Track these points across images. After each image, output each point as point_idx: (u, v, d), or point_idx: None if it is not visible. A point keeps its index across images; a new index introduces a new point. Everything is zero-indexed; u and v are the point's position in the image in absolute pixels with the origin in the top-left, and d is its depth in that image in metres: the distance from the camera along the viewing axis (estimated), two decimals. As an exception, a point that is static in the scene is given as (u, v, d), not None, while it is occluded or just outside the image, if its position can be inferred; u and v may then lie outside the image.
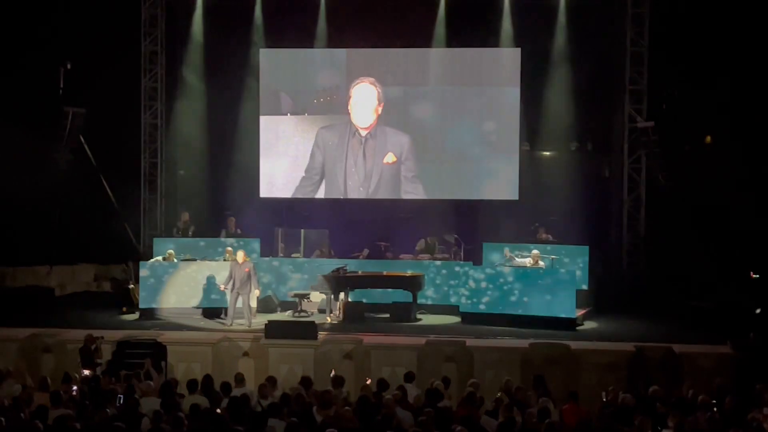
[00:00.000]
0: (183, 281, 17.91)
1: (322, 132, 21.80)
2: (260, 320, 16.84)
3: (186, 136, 22.51)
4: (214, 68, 22.28)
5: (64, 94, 20.15)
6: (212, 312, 17.84)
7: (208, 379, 12.15)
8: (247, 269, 17.14)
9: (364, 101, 21.68)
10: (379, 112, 21.65)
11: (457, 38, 21.69)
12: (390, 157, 21.62)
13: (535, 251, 17.92)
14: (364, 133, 21.70)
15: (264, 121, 22.04)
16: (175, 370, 14.98)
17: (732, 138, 18.93)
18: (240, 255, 17.34)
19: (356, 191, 21.77)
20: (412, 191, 21.63)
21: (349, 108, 21.74)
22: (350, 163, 21.68)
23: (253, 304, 17.40)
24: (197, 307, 17.91)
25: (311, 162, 21.90)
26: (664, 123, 19.06)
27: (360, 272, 18.50)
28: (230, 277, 17.12)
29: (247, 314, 17.08)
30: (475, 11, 21.65)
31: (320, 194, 21.99)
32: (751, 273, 17.38)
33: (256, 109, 22.06)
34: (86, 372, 13.45)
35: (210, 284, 17.91)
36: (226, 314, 17.52)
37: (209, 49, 22.31)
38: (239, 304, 17.16)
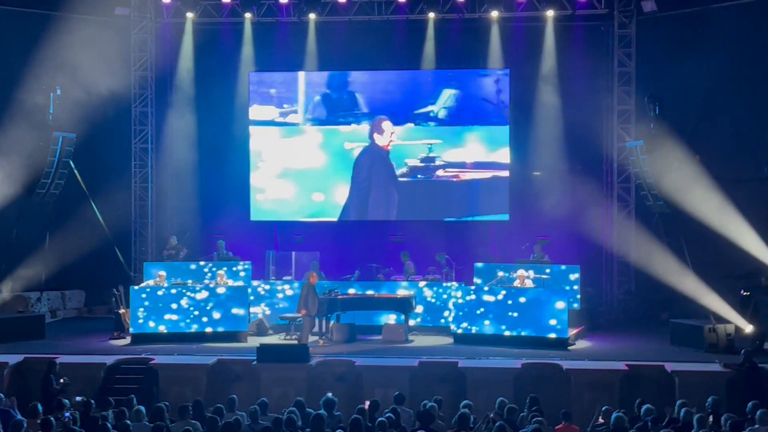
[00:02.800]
0: (174, 305, 17.87)
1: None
2: (252, 344, 16.81)
3: (176, 160, 22.52)
4: (204, 92, 22.37)
5: (54, 119, 20.13)
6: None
7: (198, 404, 12.10)
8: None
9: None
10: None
11: (446, 60, 21.81)
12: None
13: (520, 271, 17.96)
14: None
15: (254, 143, 22.09)
16: (166, 395, 14.92)
17: (719, 154, 19.05)
18: (313, 275, 17.56)
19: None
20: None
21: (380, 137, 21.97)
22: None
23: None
24: (190, 332, 17.86)
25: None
26: (653, 142, 19.14)
27: (351, 294, 18.51)
28: (305, 299, 17.30)
29: (306, 332, 17.31)
30: (463, 34, 21.81)
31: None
32: (742, 291, 17.42)
33: (247, 132, 22.12)
34: (78, 398, 13.37)
35: (198, 308, 17.87)
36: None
37: (199, 73, 22.40)
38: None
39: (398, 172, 21.81)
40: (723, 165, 18.56)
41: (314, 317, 17.50)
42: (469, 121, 21.66)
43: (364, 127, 21.91)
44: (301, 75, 22.03)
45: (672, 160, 18.27)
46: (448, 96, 21.57)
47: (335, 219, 22.07)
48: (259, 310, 19.16)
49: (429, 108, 21.79)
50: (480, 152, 21.65)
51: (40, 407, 11.85)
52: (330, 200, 22.03)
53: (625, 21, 21.10)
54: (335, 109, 22.04)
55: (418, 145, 21.81)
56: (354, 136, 21.96)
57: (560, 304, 17.03)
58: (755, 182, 18.03)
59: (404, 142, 21.82)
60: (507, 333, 17.26)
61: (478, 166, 21.65)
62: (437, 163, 21.78)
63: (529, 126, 21.57)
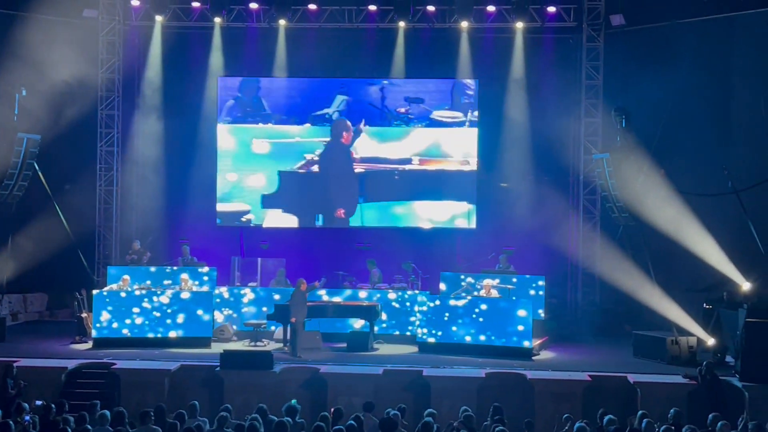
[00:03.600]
0: (138, 309, 17.72)
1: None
2: (216, 350, 16.70)
3: (142, 164, 22.36)
4: (171, 96, 22.25)
5: (19, 120, 19.91)
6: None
7: (160, 409, 12.00)
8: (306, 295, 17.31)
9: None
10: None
11: (415, 69, 21.87)
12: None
13: (486, 281, 18.03)
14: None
15: (221, 147, 22.00)
16: (128, 400, 14.78)
17: (684, 168, 19.24)
18: (303, 283, 17.37)
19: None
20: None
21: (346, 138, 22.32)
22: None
23: None
24: (153, 337, 17.71)
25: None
26: (619, 154, 19.28)
27: (317, 301, 18.46)
28: (295, 306, 17.12)
29: (295, 344, 17.12)
30: (433, 43, 21.90)
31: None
32: (704, 304, 17.59)
33: (214, 137, 22.02)
34: (39, 402, 13.20)
35: (162, 313, 17.74)
36: (289, 343, 17.52)
37: (167, 77, 22.27)
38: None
39: (296, 165, 22.20)
40: (687, 178, 18.72)
41: (302, 326, 17.30)
42: (356, 122, 22.24)
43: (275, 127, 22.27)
44: (218, 80, 22.19)
45: (637, 173, 18.40)
46: (341, 101, 22.21)
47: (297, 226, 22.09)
48: (222, 316, 19.04)
49: (324, 110, 22.19)
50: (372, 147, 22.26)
51: (-1, 411, 11.72)
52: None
53: (594, 34, 21.30)
54: (244, 110, 22.29)
55: (316, 142, 22.23)
56: (261, 133, 22.22)
57: (525, 314, 17.11)
58: (719, 196, 18.21)
59: (305, 140, 22.18)
60: (472, 342, 17.30)
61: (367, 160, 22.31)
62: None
63: (498, 136, 21.67)
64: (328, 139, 22.20)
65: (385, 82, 21.99)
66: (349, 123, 22.18)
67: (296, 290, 17.32)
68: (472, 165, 21.78)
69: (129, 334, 17.63)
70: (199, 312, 17.81)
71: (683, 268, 18.46)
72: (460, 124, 21.87)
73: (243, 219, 22.14)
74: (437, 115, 22.07)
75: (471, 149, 21.79)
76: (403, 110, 22.19)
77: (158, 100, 22.29)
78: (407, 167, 22.02)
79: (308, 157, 22.32)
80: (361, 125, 22.14)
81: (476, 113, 21.73)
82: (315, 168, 22.26)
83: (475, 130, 21.74)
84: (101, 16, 21.87)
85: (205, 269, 19.61)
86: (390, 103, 22.20)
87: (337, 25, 21.80)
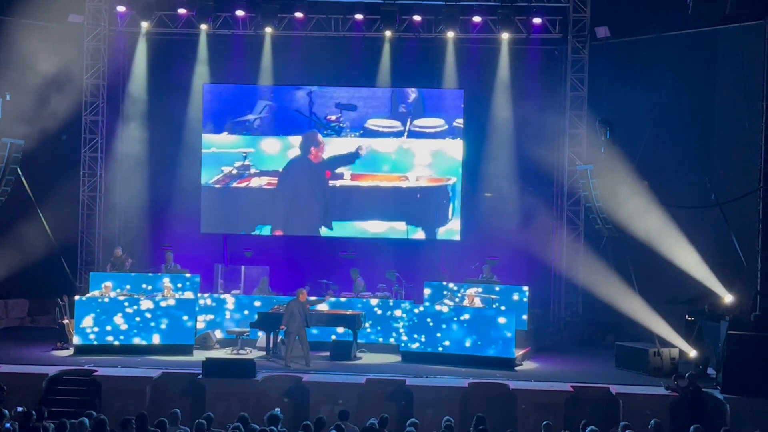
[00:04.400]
0: (120, 316, 17.63)
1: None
2: (198, 357, 16.63)
3: (126, 170, 22.29)
4: (156, 102, 22.20)
5: (2, 125, 19.81)
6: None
7: (142, 417, 11.93)
8: (308, 305, 17.12)
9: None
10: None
11: (401, 78, 21.90)
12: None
13: (470, 291, 18.05)
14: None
15: (206, 155, 21.94)
16: (109, 407, 14.70)
17: (667, 180, 19.35)
18: (303, 293, 17.19)
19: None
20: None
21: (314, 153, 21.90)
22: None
23: None
24: (135, 344, 17.61)
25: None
26: (603, 166, 19.37)
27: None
28: (289, 315, 16.91)
29: (306, 353, 16.96)
30: (419, 53, 21.95)
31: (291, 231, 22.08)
32: (687, 316, 17.67)
33: (198, 143, 21.96)
34: (19, 408, 13.09)
35: (144, 320, 17.66)
36: (273, 352, 17.48)
37: (152, 83, 22.24)
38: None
39: (213, 179, 21.81)
40: (671, 190, 18.81)
41: (294, 336, 17.09)
42: (282, 131, 21.86)
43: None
44: (203, 87, 21.93)
45: (621, 185, 18.48)
46: (263, 107, 21.80)
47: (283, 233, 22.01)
48: (203, 324, 18.97)
49: (246, 117, 21.92)
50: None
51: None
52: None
53: (579, 46, 21.40)
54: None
55: (233, 153, 21.85)
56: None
57: (508, 325, 17.12)
58: (702, 208, 18.31)
59: (224, 151, 21.81)
60: (455, 352, 17.30)
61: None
62: (252, 171, 21.89)
63: (482, 146, 21.71)
64: (251, 150, 21.71)
65: (314, 88, 21.59)
66: (320, 137, 21.66)
67: (294, 300, 17.21)
68: (411, 181, 21.49)
69: (111, 341, 17.53)
70: (182, 319, 17.74)
71: (666, 280, 18.54)
72: (398, 134, 21.57)
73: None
74: (373, 124, 21.67)
75: (408, 160, 21.49)
76: (333, 118, 21.57)
77: (143, 106, 22.25)
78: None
79: (226, 170, 21.79)
80: (362, 150, 21.52)
81: (421, 121, 21.45)
82: (238, 183, 21.76)
83: (409, 140, 21.46)
84: (87, 21, 21.80)
85: (187, 275, 19.54)
86: (319, 110, 21.72)
87: (324, 33, 21.84)
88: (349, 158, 21.73)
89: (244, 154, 21.90)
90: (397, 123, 21.63)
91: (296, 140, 21.78)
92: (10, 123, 19.76)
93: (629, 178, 18.49)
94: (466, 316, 17.37)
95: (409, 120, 21.56)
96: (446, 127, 21.76)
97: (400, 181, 21.69)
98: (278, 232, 21.78)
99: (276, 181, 21.85)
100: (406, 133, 21.63)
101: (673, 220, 17.89)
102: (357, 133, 21.69)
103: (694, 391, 14.60)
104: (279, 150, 21.80)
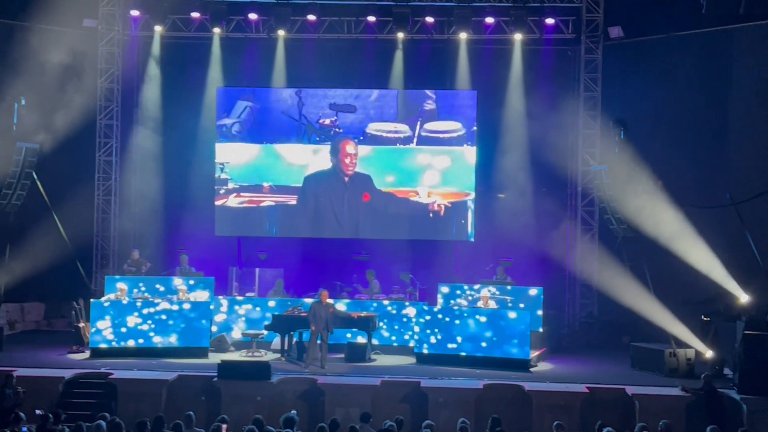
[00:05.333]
0: (135, 319, 17.69)
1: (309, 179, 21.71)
2: (213, 360, 16.67)
3: (141, 174, 22.36)
4: (170, 106, 22.25)
5: (18, 129, 19.92)
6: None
7: (158, 420, 11.97)
8: (331, 310, 17.03)
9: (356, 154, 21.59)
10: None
11: (414, 80, 21.90)
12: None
13: (484, 292, 18.02)
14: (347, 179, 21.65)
15: (220, 156, 22.00)
16: (125, 410, 14.74)
17: (682, 179, 19.28)
18: (323, 295, 17.15)
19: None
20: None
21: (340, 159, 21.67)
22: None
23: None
24: (150, 347, 17.68)
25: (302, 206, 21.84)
26: (617, 166, 19.32)
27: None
28: (313, 316, 16.90)
29: (323, 356, 16.87)
30: (431, 54, 21.93)
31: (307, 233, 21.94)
32: (702, 316, 17.59)
33: (212, 146, 22.03)
34: (38, 411, 13.16)
35: (159, 322, 17.71)
36: (287, 354, 17.48)
37: (166, 87, 22.29)
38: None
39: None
40: (686, 190, 18.75)
41: (316, 337, 17.03)
42: (265, 137, 21.42)
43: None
44: (216, 91, 21.83)
45: (635, 185, 18.42)
46: (242, 108, 20.85)
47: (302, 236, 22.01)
48: (215, 328, 19.00)
49: (224, 121, 21.60)
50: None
51: (-4, 421, 11.68)
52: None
53: (592, 46, 21.35)
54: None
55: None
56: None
57: (522, 326, 17.09)
58: (717, 208, 18.23)
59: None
60: (469, 353, 17.27)
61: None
62: (230, 186, 21.66)
63: (495, 147, 21.67)
64: (226, 161, 21.51)
65: (325, 90, 20.82)
66: (351, 144, 20.82)
67: (317, 301, 17.16)
68: (423, 196, 21.08)
69: (126, 344, 17.59)
70: (197, 321, 17.79)
71: (681, 280, 18.44)
72: (406, 140, 21.07)
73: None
74: (375, 129, 20.84)
75: (419, 171, 21.18)
76: (327, 122, 20.29)
77: (156, 109, 22.31)
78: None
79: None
80: (364, 198, 20.59)
81: (434, 125, 21.30)
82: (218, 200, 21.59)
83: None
84: (101, 26, 21.91)
85: (202, 275, 19.61)
86: (310, 112, 20.95)
87: (336, 36, 21.84)
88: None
89: (221, 165, 21.59)
90: (405, 127, 21.21)
91: (283, 149, 20.66)
92: (26, 127, 19.90)
93: (644, 177, 18.44)
94: (481, 318, 17.35)
95: (419, 124, 20.99)
96: (463, 132, 21.48)
97: (409, 196, 21.33)
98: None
99: (260, 199, 21.24)
100: (415, 139, 21.21)
101: (688, 220, 17.82)
102: (356, 140, 21.25)
103: (711, 391, 14.53)
104: (259, 159, 21.26)
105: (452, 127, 21.53)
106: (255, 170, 21.75)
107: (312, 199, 21.68)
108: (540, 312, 18.94)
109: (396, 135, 21.01)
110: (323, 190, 21.66)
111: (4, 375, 14.64)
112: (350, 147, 21.39)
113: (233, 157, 21.81)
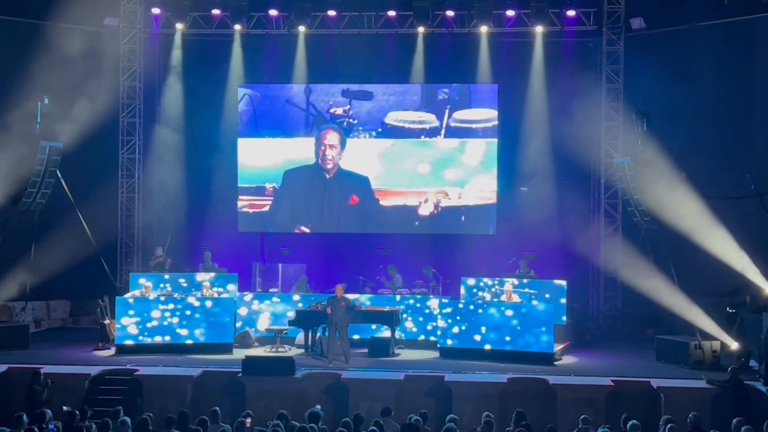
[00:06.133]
0: (160, 315, 17.79)
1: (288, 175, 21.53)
2: (237, 356, 16.74)
3: (164, 171, 22.46)
4: (192, 103, 22.35)
5: (41, 128, 20.04)
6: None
7: (183, 415, 12.04)
8: (343, 303, 17.04)
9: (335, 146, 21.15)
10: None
11: (435, 74, 21.85)
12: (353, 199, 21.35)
13: (507, 286, 17.97)
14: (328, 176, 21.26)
15: (242, 155, 22.05)
16: (150, 406, 14.83)
17: (706, 171, 19.16)
18: (338, 290, 17.17)
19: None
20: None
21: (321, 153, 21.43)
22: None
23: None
24: (175, 343, 17.76)
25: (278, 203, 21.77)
26: (640, 158, 19.21)
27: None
28: (330, 312, 16.94)
29: (346, 350, 16.91)
30: (452, 48, 21.87)
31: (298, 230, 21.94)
32: (728, 308, 17.47)
33: (235, 143, 22.09)
34: (65, 408, 13.27)
35: (184, 319, 17.79)
36: (311, 349, 17.51)
37: (188, 84, 22.38)
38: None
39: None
40: (709, 181, 18.61)
41: (334, 332, 17.03)
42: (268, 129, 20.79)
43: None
44: (237, 88, 21.81)
45: (659, 177, 18.31)
46: (241, 95, 19.85)
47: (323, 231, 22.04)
48: (240, 323, 19.06)
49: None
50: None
51: (25, 418, 11.76)
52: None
53: (614, 38, 21.23)
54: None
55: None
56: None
57: (547, 320, 17.03)
58: (741, 199, 18.09)
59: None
60: (494, 347, 17.24)
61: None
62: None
63: (517, 141, 21.61)
64: None
65: (352, 86, 19.80)
66: (334, 133, 20.06)
67: (333, 296, 17.17)
68: (453, 198, 20.71)
69: (151, 341, 17.70)
70: (222, 318, 17.86)
71: (706, 272, 18.34)
72: (432, 132, 20.28)
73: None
74: (396, 119, 19.24)
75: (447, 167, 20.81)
76: (340, 111, 18.70)
77: (179, 107, 22.41)
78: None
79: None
80: (350, 200, 19.32)
81: (464, 113, 21.08)
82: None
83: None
84: (122, 24, 22.02)
85: (223, 271, 19.71)
86: (320, 100, 19.68)
87: (357, 31, 21.81)
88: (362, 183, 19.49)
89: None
90: (431, 117, 20.35)
91: (288, 143, 19.58)
92: (49, 126, 20.01)
93: (667, 169, 18.32)
94: (505, 311, 17.30)
95: (447, 111, 19.67)
96: (497, 122, 21.17)
97: (437, 196, 20.74)
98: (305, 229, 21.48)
99: (262, 203, 20.84)
100: (443, 130, 20.53)
101: (712, 211, 17.70)
102: (374, 132, 20.41)
103: (737, 384, 14.43)
104: (260, 157, 20.88)
105: (486, 115, 20.82)
106: (255, 169, 21.43)
107: (288, 197, 21.23)
108: (563, 301, 18.88)
109: (421, 126, 19.88)
110: (302, 187, 20.89)
111: (32, 372, 14.77)
112: (331, 137, 20.10)
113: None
